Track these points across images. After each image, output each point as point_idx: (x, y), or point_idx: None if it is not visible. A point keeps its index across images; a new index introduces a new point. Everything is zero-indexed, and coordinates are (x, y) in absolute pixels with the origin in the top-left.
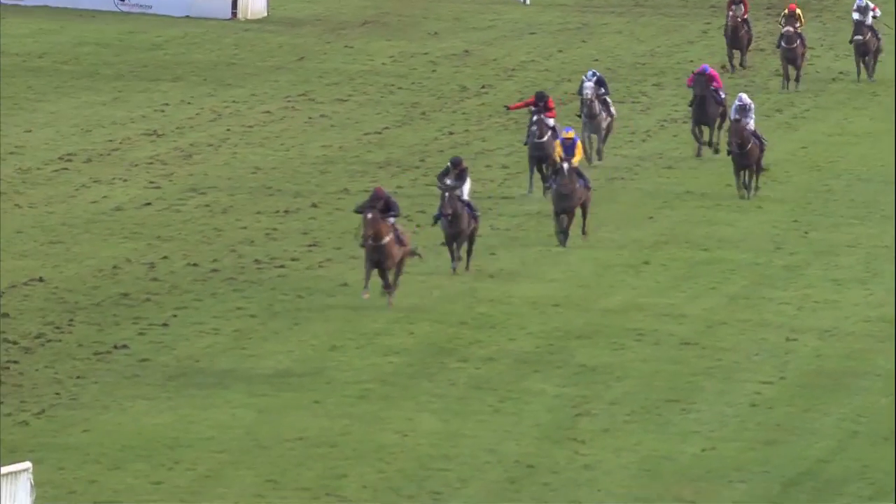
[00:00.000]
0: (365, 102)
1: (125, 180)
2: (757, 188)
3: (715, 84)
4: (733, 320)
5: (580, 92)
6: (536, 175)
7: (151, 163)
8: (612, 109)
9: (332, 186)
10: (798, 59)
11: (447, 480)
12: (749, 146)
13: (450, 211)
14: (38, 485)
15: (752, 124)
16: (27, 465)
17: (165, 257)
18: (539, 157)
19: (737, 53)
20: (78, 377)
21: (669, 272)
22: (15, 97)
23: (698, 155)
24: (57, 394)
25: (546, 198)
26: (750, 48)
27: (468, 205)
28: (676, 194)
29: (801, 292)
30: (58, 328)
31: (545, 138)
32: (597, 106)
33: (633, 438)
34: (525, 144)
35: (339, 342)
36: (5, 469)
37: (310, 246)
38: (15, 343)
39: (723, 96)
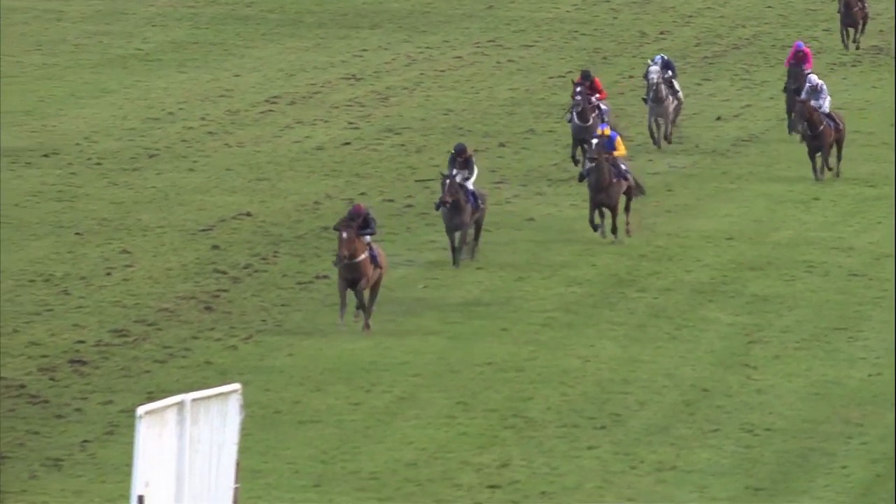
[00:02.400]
0: (550, 48)
1: (326, 121)
2: (837, 170)
3: (807, 65)
4: None
5: (646, 76)
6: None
7: (350, 105)
8: (680, 94)
9: (519, 127)
10: None
11: (626, 403)
12: (821, 128)
13: (449, 199)
14: (246, 405)
15: (825, 106)
16: (236, 386)
17: (363, 193)
18: (583, 140)
19: (852, 31)
20: (282, 305)
21: (838, 207)
22: (225, 44)
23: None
24: (263, 320)
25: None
26: (866, 25)
27: (472, 193)
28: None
29: None
30: (264, 259)
31: (590, 122)
32: (663, 89)
33: (802, 364)
34: (568, 122)
35: (525, 273)
36: (216, 390)
37: (497, 183)
38: (225, 273)
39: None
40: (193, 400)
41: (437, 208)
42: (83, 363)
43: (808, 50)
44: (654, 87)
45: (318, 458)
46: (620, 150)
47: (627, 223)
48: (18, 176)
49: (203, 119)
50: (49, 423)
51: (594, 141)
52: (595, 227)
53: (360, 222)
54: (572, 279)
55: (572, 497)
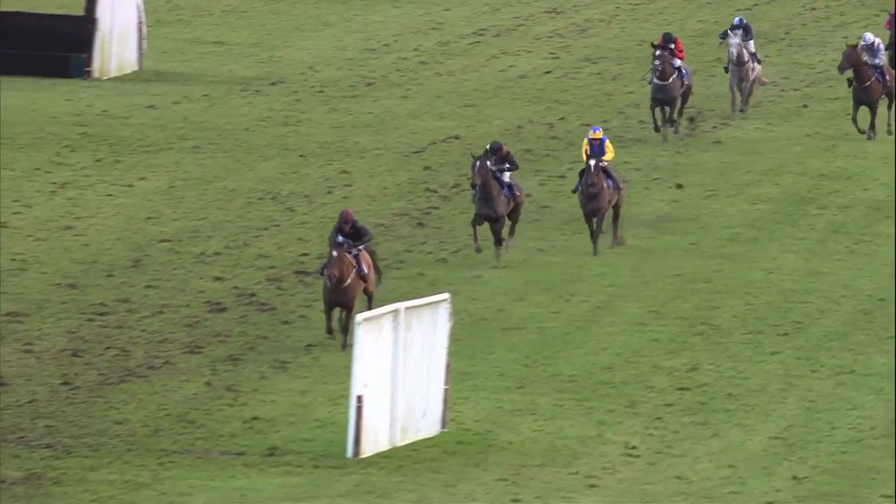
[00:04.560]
0: None
1: (529, 52)
2: (891, 127)
3: None
4: None
5: (723, 37)
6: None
7: (551, 36)
8: (758, 58)
9: (708, 56)
10: None
11: (807, 311)
12: (870, 82)
13: (478, 180)
14: (455, 313)
15: (879, 61)
16: (446, 296)
17: (562, 118)
18: (662, 100)
19: None
20: None
21: None
22: None
23: None
24: (471, 236)
25: (669, 138)
26: None
27: (507, 185)
28: None
29: None
30: (470, 178)
31: (669, 80)
32: (745, 54)
33: None
34: (649, 84)
35: (713, 192)
36: (427, 299)
37: (686, 108)
38: (435, 192)
39: None
40: (407, 308)
41: (474, 198)
42: (307, 274)
43: None
44: (736, 54)
45: (521, 362)
46: (609, 154)
47: (616, 231)
48: (248, 103)
49: (416, 50)
50: (276, 329)
51: (591, 162)
52: (594, 245)
53: (349, 229)
54: (756, 197)
55: (757, 399)
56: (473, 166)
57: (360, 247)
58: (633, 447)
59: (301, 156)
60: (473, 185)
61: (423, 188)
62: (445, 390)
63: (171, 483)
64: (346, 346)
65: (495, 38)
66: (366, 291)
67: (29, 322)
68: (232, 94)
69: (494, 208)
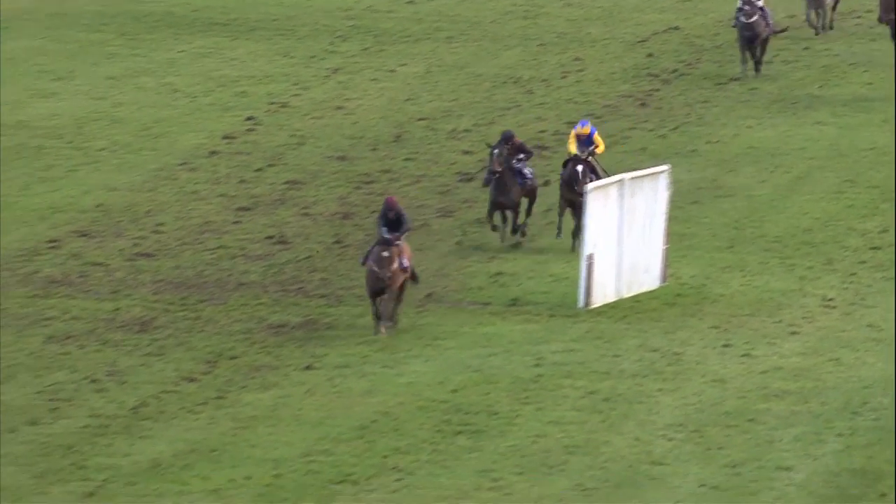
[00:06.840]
0: None
1: None
2: None
3: None
4: None
5: None
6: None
7: None
8: None
9: None
10: None
11: None
12: None
13: (498, 168)
14: (673, 182)
15: None
16: (666, 167)
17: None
18: (749, 38)
19: None
20: (703, 102)
21: None
22: None
23: None
24: (687, 115)
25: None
26: None
27: (519, 172)
28: None
29: None
30: (689, 65)
31: (755, 18)
32: None
33: None
34: (733, 27)
35: None
36: (649, 170)
37: (867, 11)
38: (657, 76)
39: None
40: (631, 178)
41: (486, 184)
42: (545, 148)
43: None
44: None
45: (732, 225)
46: (600, 147)
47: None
48: None
49: None
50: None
51: (579, 168)
52: (560, 231)
53: (393, 216)
54: None
55: None
56: (491, 154)
57: (401, 237)
58: (831, 299)
59: (540, 45)
60: (493, 173)
61: (646, 73)
62: (665, 249)
63: (427, 328)
64: (379, 333)
65: None
66: (403, 283)
67: (306, 189)
68: None
69: (510, 197)
